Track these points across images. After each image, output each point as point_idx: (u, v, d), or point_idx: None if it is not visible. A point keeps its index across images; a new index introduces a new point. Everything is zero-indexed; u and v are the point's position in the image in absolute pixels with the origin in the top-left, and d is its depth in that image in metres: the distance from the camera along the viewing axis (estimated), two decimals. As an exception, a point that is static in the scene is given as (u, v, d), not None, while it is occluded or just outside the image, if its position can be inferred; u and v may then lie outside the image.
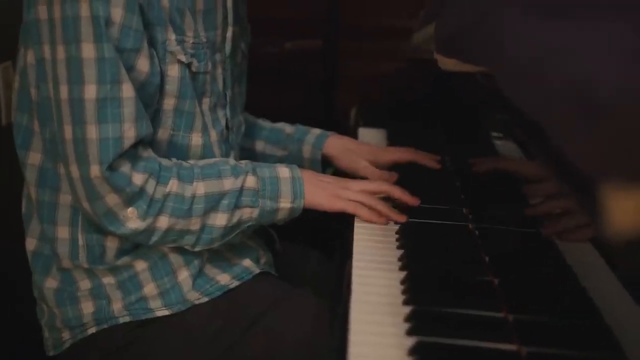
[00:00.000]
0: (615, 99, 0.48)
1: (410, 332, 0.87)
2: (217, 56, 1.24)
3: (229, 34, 1.26)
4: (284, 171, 1.21)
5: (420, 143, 1.52)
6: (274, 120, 1.57)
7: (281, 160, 1.49)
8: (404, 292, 0.98)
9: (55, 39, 1.05)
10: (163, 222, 1.12)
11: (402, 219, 1.21)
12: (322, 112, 2.14)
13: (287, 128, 1.52)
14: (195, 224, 1.14)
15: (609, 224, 0.44)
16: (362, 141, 1.57)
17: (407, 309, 0.92)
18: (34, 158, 1.17)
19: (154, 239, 1.14)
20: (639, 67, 0.52)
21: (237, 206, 1.16)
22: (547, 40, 0.63)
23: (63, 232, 1.17)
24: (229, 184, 1.16)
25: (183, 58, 1.14)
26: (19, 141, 1.18)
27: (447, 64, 1.05)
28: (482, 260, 1.07)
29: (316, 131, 1.51)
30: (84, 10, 1.03)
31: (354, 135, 1.75)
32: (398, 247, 1.12)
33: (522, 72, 0.66)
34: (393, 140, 1.69)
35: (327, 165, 1.50)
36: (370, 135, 1.76)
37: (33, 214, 1.21)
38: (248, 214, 1.18)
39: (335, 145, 1.48)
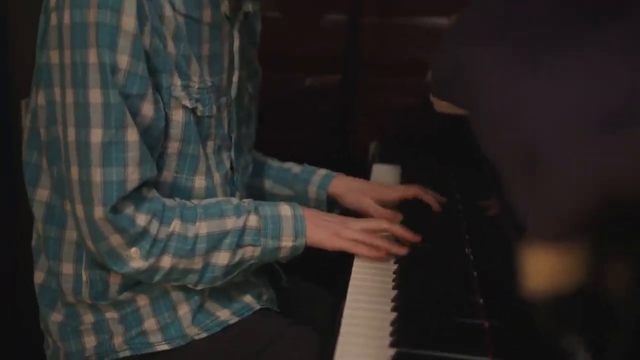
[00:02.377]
0: (555, 159, 0.49)
1: (392, 375, 0.88)
2: (223, 100, 1.27)
3: (235, 77, 1.29)
4: (285, 209, 1.23)
5: (433, 181, 1.53)
6: (292, 155, 1.59)
7: (287, 199, 1.51)
8: (392, 333, 0.98)
9: (65, 83, 1.10)
10: (166, 261, 1.15)
11: (402, 251, 1.22)
12: (340, 147, 2.16)
13: (294, 168, 1.54)
14: (197, 263, 1.17)
15: (525, 277, 0.44)
16: (369, 180, 1.58)
17: (392, 352, 0.93)
18: (41, 195, 1.21)
19: (157, 277, 1.16)
20: (590, 129, 0.53)
21: (239, 245, 1.18)
22: (511, 94, 0.64)
23: (67, 268, 1.20)
24: (231, 223, 1.18)
25: (188, 103, 1.18)
26: (27, 178, 1.22)
27: (442, 106, 1.07)
28: (476, 302, 1.07)
29: (322, 172, 1.53)
30: (92, 57, 1.07)
31: (369, 171, 1.76)
32: (393, 288, 1.13)
33: (486, 120, 0.67)
34: (407, 177, 1.69)
35: (333, 206, 1.51)
36: (385, 172, 1.77)
37: (41, 249, 1.24)
38: (250, 252, 1.20)
39: (341, 185, 1.49)
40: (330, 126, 2.17)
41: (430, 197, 1.46)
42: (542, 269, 0.44)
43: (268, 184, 1.53)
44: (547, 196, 0.46)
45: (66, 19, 1.08)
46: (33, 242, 1.27)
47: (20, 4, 1.72)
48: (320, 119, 2.18)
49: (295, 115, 2.17)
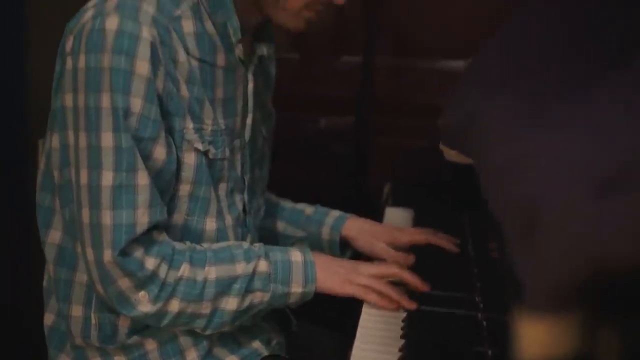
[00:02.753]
0: (553, 226, 0.49)
1: None
2: (236, 142, 1.28)
3: (249, 120, 1.30)
4: (296, 255, 1.23)
5: (446, 226, 1.53)
6: (305, 196, 1.59)
7: (300, 241, 1.51)
8: (399, 383, 0.98)
9: (79, 127, 1.11)
10: (174, 305, 1.15)
11: (412, 306, 1.21)
12: (353, 189, 2.16)
13: (307, 209, 1.54)
14: (206, 308, 1.17)
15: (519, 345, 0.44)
16: (383, 223, 1.58)
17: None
18: (53, 237, 1.22)
19: (165, 322, 1.16)
20: (588, 194, 0.52)
21: (248, 290, 1.18)
22: (514, 151, 0.64)
23: (77, 311, 1.21)
24: (240, 268, 1.18)
25: (200, 146, 1.18)
26: (40, 220, 1.23)
27: (451, 155, 1.07)
28: (484, 354, 1.06)
29: (335, 213, 1.53)
30: (105, 102, 1.09)
31: (382, 213, 1.76)
32: (402, 336, 1.12)
33: (490, 175, 0.67)
34: (419, 221, 1.69)
35: (346, 247, 1.51)
36: (398, 215, 1.77)
37: (52, 290, 1.25)
38: (259, 298, 1.19)
39: (354, 227, 1.49)
40: (344, 168, 2.18)
41: (442, 241, 1.46)
42: (537, 337, 0.43)
43: (281, 225, 1.54)
44: (544, 266, 0.46)
45: (81, 63, 1.10)
46: (44, 284, 1.27)
47: (39, 46, 1.75)
48: (334, 160, 2.19)
49: (309, 156, 2.17)
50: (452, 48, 2.08)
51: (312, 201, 1.59)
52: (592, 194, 0.47)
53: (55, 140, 1.18)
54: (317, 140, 2.18)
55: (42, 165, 1.24)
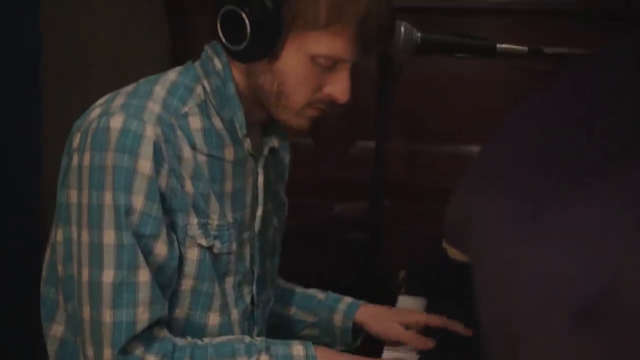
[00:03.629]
0: (534, 352, 0.48)
1: None
2: (245, 235, 1.28)
3: (259, 212, 1.29)
4: (298, 349, 1.21)
5: (459, 316, 1.50)
6: (317, 282, 1.58)
7: (312, 326, 1.49)
8: None
9: (82, 223, 1.12)
10: None
11: None
12: (367, 276, 2.14)
13: (319, 295, 1.53)
14: None
15: None
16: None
17: None
18: (56, 330, 1.22)
19: None
20: (568, 321, 0.51)
21: None
22: (501, 263, 0.64)
23: None
24: None
25: (204, 242, 1.18)
26: (44, 313, 1.23)
27: (453, 253, 1.05)
28: None
29: (348, 299, 1.51)
30: (108, 199, 1.10)
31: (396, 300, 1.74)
32: None
33: (481, 285, 0.66)
34: (431, 311, 1.66)
35: (358, 333, 1.49)
36: (410, 304, 1.74)
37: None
38: None
39: (367, 313, 1.48)
40: (358, 254, 2.16)
41: (457, 326, 1.43)
42: None
43: (292, 311, 1.52)
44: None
45: (86, 161, 1.11)
46: None
47: (54, 143, 1.78)
48: (348, 246, 2.18)
49: (323, 242, 2.16)
50: (466, 133, 2.08)
51: (324, 287, 1.57)
52: (572, 323, 0.45)
53: (59, 234, 1.18)
54: (330, 226, 2.17)
55: (47, 257, 1.24)
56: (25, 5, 1.78)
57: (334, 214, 2.18)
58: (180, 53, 2.28)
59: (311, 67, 1.16)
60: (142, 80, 1.22)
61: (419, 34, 1.38)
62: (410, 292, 1.82)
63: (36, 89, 1.76)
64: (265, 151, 1.29)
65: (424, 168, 2.15)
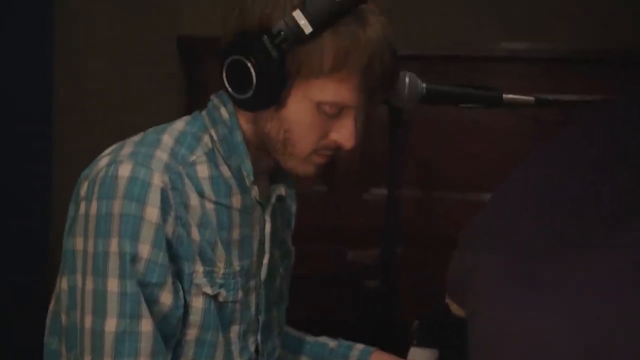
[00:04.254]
0: None
1: None
2: (252, 283, 1.26)
3: (266, 260, 1.28)
4: None
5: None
6: (330, 330, 1.56)
7: None
8: None
9: (87, 270, 1.12)
10: None
11: None
12: (380, 324, 2.11)
13: (330, 342, 1.52)
14: None
15: None
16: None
17: None
18: (58, 382, 1.19)
19: None
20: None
21: None
22: (493, 326, 0.62)
23: None
24: None
25: (209, 290, 1.17)
26: (47, 363, 1.21)
27: (455, 309, 1.03)
28: None
29: (360, 346, 1.50)
30: (113, 247, 1.10)
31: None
32: None
33: (474, 345, 0.64)
34: (443, 363, 1.63)
35: None
36: (421, 357, 1.71)
37: None
38: None
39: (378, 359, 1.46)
40: (370, 301, 2.13)
41: None
42: None
43: (303, 359, 1.49)
44: None
45: (93, 209, 1.11)
46: None
47: (65, 191, 1.79)
48: (360, 293, 2.15)
49: (334, 289, 2.14)
50: (481, 180, 2.07)
51: (335, 335, 1.55)
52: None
53: (64, 283, 1.18)
54: (343, 273, 2.15)
55: (51, 307, 1.24)
56: (39, 51, 1.79)
57: (346, 260, 2.16)
58: (194, 100, 2.30)
59: (317, 114, 1.16)
60: (150, 130, 1.22)
61: (424, 85, 1.38)
62: (422, 344, 1.79)
63: (48, 136, 1.77)
64: (273, 199, 1.28)
65: (438, 215, 2.13)
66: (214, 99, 1.24)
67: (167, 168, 1.14)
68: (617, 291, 0.53)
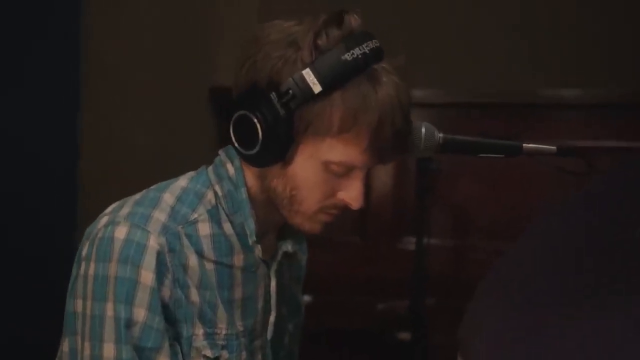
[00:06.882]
0: None
1: None
2: (257, 342, 1.24)
3: (272, 318, 1.25)
4: None
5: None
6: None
7: None
8: None
9: (85, 334, 1.11)
10: None
11: None
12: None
13: None
14: None
15: None
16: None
17: None
18: None
19: None
20: None
21: None
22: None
23: None
24: None
25: (209, 353, 1.16)
26: None
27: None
28: None
29: None
30: (109, 311, 1.09)
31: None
32: None
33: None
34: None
35: None
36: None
37: None
38: None
39: None
40: (399, 354, 2.09)
41: None
42: None
43: None
44: None
45: (91, 271, 1.11)
46: None
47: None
48: (389, 346, 2.11)
49: (365, 342, 2.11)
50: (512, 228, 2.02)
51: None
52: None
53: (65, 344, 1.18)
54: (372, 326, 2.12)
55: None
56: (67, 106, 1.82)
57: (377, 312, 2.13)
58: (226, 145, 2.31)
59: (324, 173, 1.13)
60: (152, 187, 1.22)
61: (440, 135, 1.35)
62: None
63: (73, 189, 1.79)
64: (279, 256, 1.25)
65: (470, 264, 2.08)
66: (222, 154, 1.23)
67: (165, 229, 1.13)
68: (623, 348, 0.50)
